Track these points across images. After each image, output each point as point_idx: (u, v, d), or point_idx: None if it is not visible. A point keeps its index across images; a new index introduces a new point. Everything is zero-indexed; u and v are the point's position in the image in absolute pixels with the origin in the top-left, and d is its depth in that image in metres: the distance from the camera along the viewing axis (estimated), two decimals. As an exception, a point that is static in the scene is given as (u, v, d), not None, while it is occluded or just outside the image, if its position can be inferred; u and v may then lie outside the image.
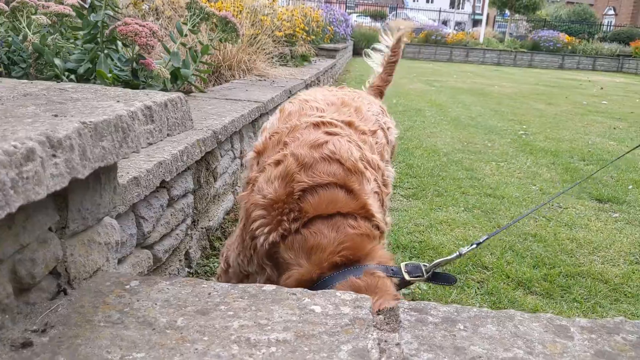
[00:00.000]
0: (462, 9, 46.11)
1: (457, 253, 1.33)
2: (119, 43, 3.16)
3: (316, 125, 1.53)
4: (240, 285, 1.04)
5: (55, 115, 0.87)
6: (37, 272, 0.89)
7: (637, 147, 1.49)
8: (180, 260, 2.09)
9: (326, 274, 1.20)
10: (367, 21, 28.32)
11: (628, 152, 1.50)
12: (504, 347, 0.87)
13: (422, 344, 0.86)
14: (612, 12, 46.40)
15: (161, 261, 1.89)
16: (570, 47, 23.09)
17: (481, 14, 30.23)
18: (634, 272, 2.49)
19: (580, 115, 7.74)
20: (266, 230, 1.29)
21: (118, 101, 1.06)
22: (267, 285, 1.04)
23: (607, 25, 36.15)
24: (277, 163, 1.39)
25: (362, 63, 16.30)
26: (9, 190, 0.65)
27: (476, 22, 39.82)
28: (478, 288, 2.25)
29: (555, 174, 4.17)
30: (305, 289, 1.03)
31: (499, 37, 25.98)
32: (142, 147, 1.04)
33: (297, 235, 1.26)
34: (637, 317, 2.11)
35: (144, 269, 1.77)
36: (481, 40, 23.76)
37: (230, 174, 2.67)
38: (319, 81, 7.19)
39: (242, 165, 2.93)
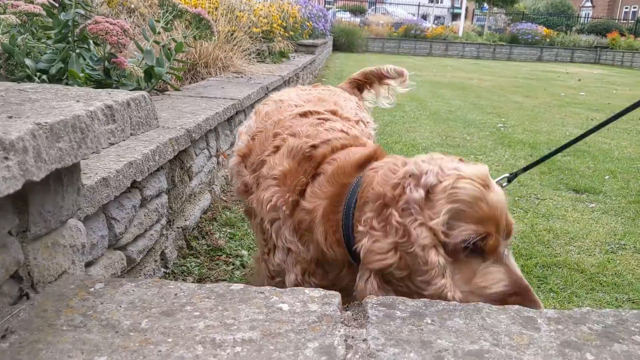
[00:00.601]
0: (441, 2, 46.37)
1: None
2: (91, 42, 3.10)
3: (303, 114, 1.53)
4: (208, 285, 1.02)
5: (10, 117, 0.84)
6: (-5, 278, 0.87)
7: (592, 130, 1.50)
8: (155, 261, 2.06)
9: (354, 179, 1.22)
10: (346, 16, 28.32)
11: (583, 135, 1.50)
12: (471, 340, 0.87)
13: (389, 339, 0.86)
14: (589, 4, 47.14)
15: (135, 262, 1.86)
16: (548, 40, 23.40)
17: (460, 8, 30.42)
18: (609, 262, 2.53)
19: (558, 107, 7.85)
20: (286, 196, 1.29)
21: (78, 101, 1.03)
22: (235, 284, 1.03)
23: (585, 18, 36.73)
24: (277, 148, 1.39)
25: (342, 58, 16.31)
26: (-47, 194, 0.63)
27: (455, 16, 40.09)
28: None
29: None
30: (274, 288, 1.02)
31: (478, 30, 26.20)
32: (104, 148, 1.02)
33: (316, 179, 1.28)
34: (612, 305, 2.15)
35: (117, 271, 1.74)
36: (460, 34, 23.94)
37: (206, 172, 2.64)
38: (298, 77, 7.16)
39: (218, 163, 2.91)
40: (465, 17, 27.19)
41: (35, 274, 0.99)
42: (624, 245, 2.75)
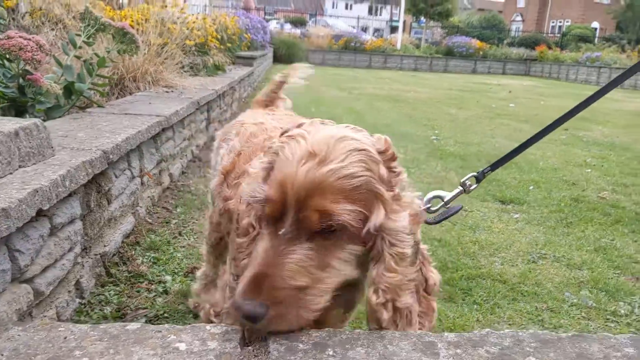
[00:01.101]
0: (380, 15, 47.66)
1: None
2: (4, 58, 2.93)
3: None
4: (102, 326, 0.96)
5: None
6: None
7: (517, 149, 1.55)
8: (69, 291, 1.94)
9: None
10: (287, 28, 28.48)
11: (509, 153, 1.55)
12: (370, 371, 0.87)
13: (286, 376, 0.84)
14: (519, 18, 50.00)
15: (44, 295, 1.75)
16: (481, 53, 24.53)
17: (398, 21, 31.39)
18: (530, 271, 2.64)
19: (489, 119, 8.20)
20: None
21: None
22: (132, 324, 0.98)
23: (515, 31, 38.90)
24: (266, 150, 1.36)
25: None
26: None
27: (394, 29, 41.30)
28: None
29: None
30: (173, 325, 0.98)
31: (416, 43, 27.09)
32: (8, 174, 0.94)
33: None
34: (531, 314, 2.23)
35: (22, 306, 1.62)
36: (399, 46, 24.65)
37: (128, 194, 2.54)
38: (234, 90, 7.09)
39: (142, 183, 2.80)
40: (404, 30, 28.09)
41: None
42: (545, 254, 2.88)
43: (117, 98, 4.14)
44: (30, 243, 1.65)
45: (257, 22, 13.50)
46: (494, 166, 1.42)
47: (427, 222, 1.27)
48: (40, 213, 1.67)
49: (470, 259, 2.71)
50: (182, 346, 0.91)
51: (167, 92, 4.53)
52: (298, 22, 32.27)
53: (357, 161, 0.99)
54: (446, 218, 1.38)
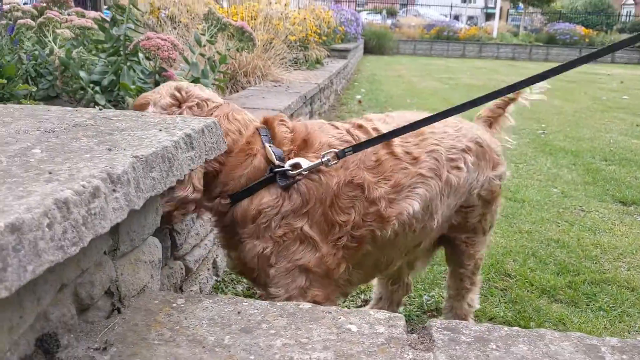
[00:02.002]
0: (474, 3, 45.73)
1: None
2: (141, 55, 3.24)
3: None
4: (279, 304, 1.08)
5: (109, 150, 0.92)
6: (95, 293, 0.95)
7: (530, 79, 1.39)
8: (208, 269, 2.15)
9: None
10: (377, 19, 28.25)
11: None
12: (538, 367, 0.90)
13: (457, 364, 0.90)
14: (631, 1, 45.56)
15: (192, 271, 1.95)
16: (587, 40, 22.78)
17: (494, 8, 29.94)
18: (660, 277, 2.48)
19: (600, 112, 7.66)
20: None
21: (160, 130, 1.11)
22: (304, 303, 1.09)
23: (627, 16, 35.55)
24: None
25: (373, 62, 16.29)
26: (81, 227, 0.71)
27: (489, 16, 39.44)
28: (502, 296, 2.27)
29: (577, 175, 4.15)
30: (340, 308, 1.08)
31: (513, 31, 25.73)
32: (184, 174, 1.10)
33: None
34: (664, 322, 2.11)
35: (177, 280, 1.83)
36: (495, 34, 23.57)
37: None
38: (332, 83, 7.23)
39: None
40: (500, 17, 26.76)
41: (122, 289, 1.07)
42: (676, 260, 2.69)
43: (230, 92, 4.41)
44: (184, 224, 1.86)
45: (350, 15, 13.57)
46: (356, 148, 1.33)
47: (280, 186, 1.27)
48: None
49: (593, 262, 2.60)
50: (354, 328, 1.00)
51: (275, 86, 4.74)
52: (388, 12, 31.89)
53: None
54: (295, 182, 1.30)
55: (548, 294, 2.27)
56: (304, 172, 1.28)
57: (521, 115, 7.10)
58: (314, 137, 1.37)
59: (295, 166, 1.29)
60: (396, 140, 1.43)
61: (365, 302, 2.22)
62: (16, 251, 0.58)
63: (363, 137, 1.41)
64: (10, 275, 0.56)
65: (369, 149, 1.38)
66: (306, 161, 1.30)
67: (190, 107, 1.32)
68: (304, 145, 1.36)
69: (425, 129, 1.48)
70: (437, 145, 1.48)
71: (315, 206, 1.30)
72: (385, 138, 1.38)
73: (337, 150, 1.31)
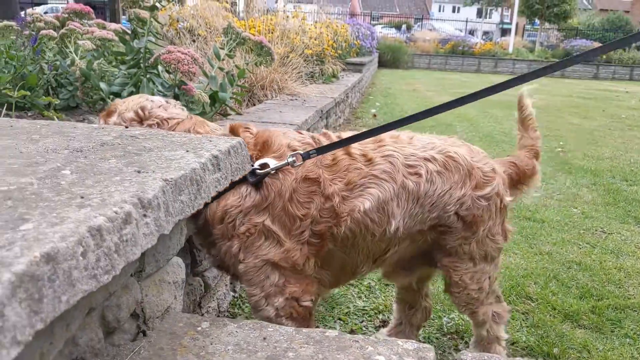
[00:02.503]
0: (489, 18, 45.73)
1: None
2: (160, 67, 3.27)
3: None
4: (304, 330, 1.06)
5: (139, 172, 0.91)
6: (121, 316, 0.94)
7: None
8: (226, 285, 2.13)
9: None
10: (392, 32, 28.36)
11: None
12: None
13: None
14: (648, 19, 45.25)
15: (210, 287, 1.94)
16: (604, 57, 22.60)
17: (509, 23, 29.91)
18: (687, 304, 2.41)
19: (619, 130, 7.55)
20: None
21: (187, 150, 1.10)
22: (330, 330, 1.07)
23: (643, 33, 35.19)
24: None
25: (387, 75, 16.31)
26: (113, 254, 0.69)
27: (504, 31, 39.41)
28: (524, 320, 2.22)
29: (597, 195, 4.08)
30: (367, 337, 1.05)
31: (529, 46, 25.66)
32: (211, 196, 1.08)
33: None
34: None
35: (196, 297, 1.81)
36: (510, 50, 23.51)
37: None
38: (348, 97, 7.23)
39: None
40: (516, 32, 26.70)
41: (147, 310, 1.06)
42: (703, 286, 2.61)
43: (247, 105, 4.43)
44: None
45: (366, 29, 13.63)
46: (320, 150, 1.39)
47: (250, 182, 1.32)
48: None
49: (616, 287, 2.53)
50: (381, 359, 0.98)
51: (291, 100, 4.75)
52: (402, 26, 32.01)
53: None
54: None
55: (571, 318, 2.22)
56: (272, 172, 1.34)
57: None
58: (274, 140, 1.43)
59: (263, 166, 1.35)
60: (355, 145, 1.47)
61: (384, 322, 2.18)
62: (51, 281, 0.57)
63: (325, 142, 1.46)
64: (45, 307, 0.55)
65: None
66: (274, 161, 1.36)
67: (150, 125, 1.42)
68: (263, 147, 1.43)
69: (387, 138, 1.52)
70: (395, 151, 1.48)
71: (275, 200, 1.34)
72: (350, 141, 1.43)
73: (302, 152, 1.37)
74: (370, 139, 1.48)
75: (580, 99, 11.98)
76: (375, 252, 1.55)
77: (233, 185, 1.32)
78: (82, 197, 0.75)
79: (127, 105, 1.48)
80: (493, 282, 1.71)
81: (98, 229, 0.67)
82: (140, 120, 1.43)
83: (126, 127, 1.30)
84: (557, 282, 2.56)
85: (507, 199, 1.63)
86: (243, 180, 1.32)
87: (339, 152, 1.45)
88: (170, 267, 1.16)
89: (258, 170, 1.32)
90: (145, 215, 0.79)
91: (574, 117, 8.80)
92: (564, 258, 2.83)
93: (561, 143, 6.26)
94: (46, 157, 0.97)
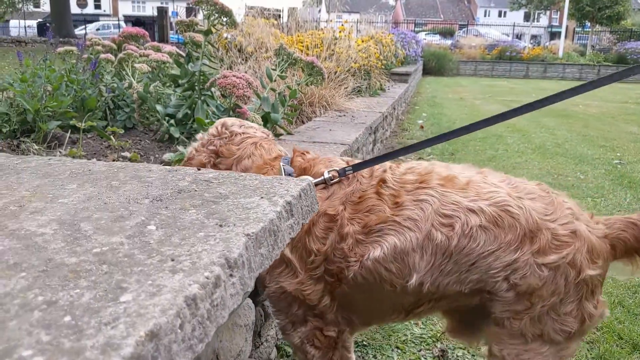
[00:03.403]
0: (537, 21, 44.44)
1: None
2: (215, 90, 3.36)
3: None
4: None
5: (220, 226, 0.93)
6: (200, 368, 0.96)
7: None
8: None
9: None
10: (436, 39, 28.04)
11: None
12: None
13: None
14: None
15: (270, 317, 1.96)
16: (660, 59, 21.57)
17: (558, 26, 28.96)
18: None
19: (682, 140, 7.16)
20: None
21: (261, 197, 1.12)
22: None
23: (703, 32, 33.34)
24: None
25: (432, 83, 16.12)
26: (206, 321, 0.71)
27: (553, 35, 38.17)
28: (589, 350, 2.13)
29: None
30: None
31: (580, 50, 24.78)
32: (286, 244, 1.10)
33: None
34: None
35: (257, 328, 1.84)
36: (560, 54, 22.78)
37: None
38: (394, 109, 7.19)
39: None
40: (566, 36, 25.82)
41: (221, 357, 1.08)
42: None
43: (296, 123, 4.47)
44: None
45: (410, 38, 13.55)
46: (356, 167, 1.38)
47: None
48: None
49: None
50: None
51: (339, 116, 4.77)
52: (447, 33, 31.60)
53: None
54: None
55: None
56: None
57: (593, 142, 6.76)
58: (312, 166, 1.47)
59: None
60: (392, 182, 1.37)
61: (443, 352, 2.14)
62: (153, 359, 0.59)
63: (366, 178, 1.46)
64: (149, 386, 0.57)
65: (364, 185, 1.39)
66: (311, 178, 1.35)
67: (221, 138, 1.57)
68: (301, 173, 1.48)
69: (435, 179, 1.34)
70: (432, 196, 1.30)
71: None
72: (387, 157, 1.41)
73: (338, 169, 1.38)
74: (415, 176, 1.36)
75: (636, 106, 11.44)
76: (404, 304, 1.41)
77: None
78: (172, 260, 0.78)
79: (216, 124, 1.65)
80: None
81: (193, 298, 0.69)
82: (219, 135, 1.59)
83: (198, 170, 1.34)
84: (622, 309, 2.44)
85: (590, 272, 1.29)
86: None
87: (369, 190, 1.36)
88: (241, 309, 1.19)
89: None
90: (231, 275, 0.81)
91: (631, 125, 8.41)
92: (629, 282, 2.69)
93: (619, 154, 5.99)
94: (129, 208, 1.01)
